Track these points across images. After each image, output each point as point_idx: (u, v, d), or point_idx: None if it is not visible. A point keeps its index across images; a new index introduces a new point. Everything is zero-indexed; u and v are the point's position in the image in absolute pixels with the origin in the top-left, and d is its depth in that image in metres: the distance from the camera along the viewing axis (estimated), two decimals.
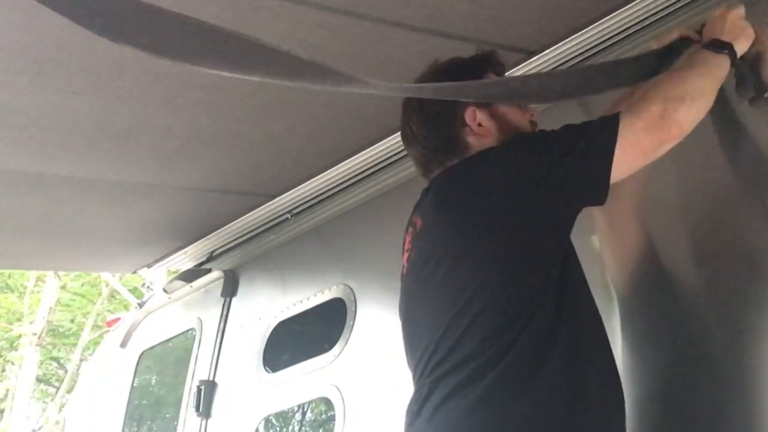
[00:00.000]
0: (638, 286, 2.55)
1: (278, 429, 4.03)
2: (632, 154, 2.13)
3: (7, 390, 15.33)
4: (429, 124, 2.36)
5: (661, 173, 2.43)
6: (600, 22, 2.82)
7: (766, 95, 2.33)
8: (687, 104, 2.14)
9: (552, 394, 2.03)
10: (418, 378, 2.19)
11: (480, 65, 2.41)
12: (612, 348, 2.23)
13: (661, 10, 2.69)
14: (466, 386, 2.06)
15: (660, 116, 2.12)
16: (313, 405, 3.79)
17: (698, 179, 2.46)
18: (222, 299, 4.25)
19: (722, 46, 2.25)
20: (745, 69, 2.35)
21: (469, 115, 2.32)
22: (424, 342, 2.19)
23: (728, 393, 2.22)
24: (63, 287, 14.69)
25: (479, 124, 2.33)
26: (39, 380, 16.03)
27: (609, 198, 2.43)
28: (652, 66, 2.39)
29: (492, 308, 2.09)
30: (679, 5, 2.65)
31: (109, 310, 13.86)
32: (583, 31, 2.84)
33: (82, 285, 15.04)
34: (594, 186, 2.14)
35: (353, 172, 3.72)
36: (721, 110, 2.36)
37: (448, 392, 2.08)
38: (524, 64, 3.02)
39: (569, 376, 2.06)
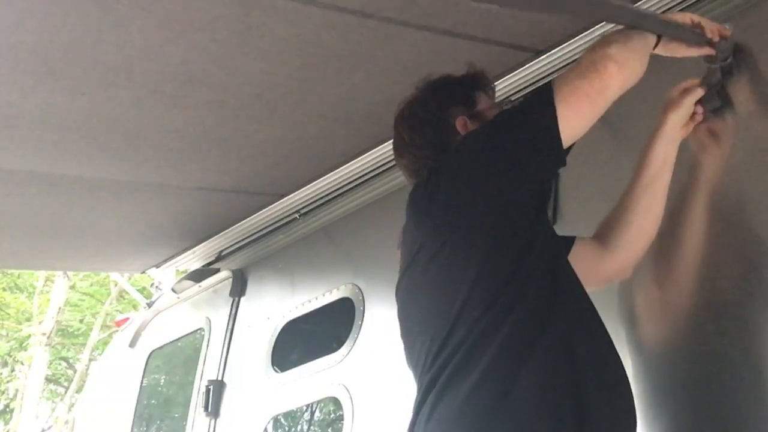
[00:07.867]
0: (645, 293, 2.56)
1: (287, 428, 4.03)
2: (575, 101, 2.11)
3: (17, 390, 15.38)
4: (421, 132, 2.38)
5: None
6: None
7: (728, 106, 2.36)
8: (618, 45, 2.14)
9: (546, 373, 2.03)
10: (419, 377, 2.20)
11: (469, 83, 2.43)
12: (618, 348, 2.23)
13: (667, 10, 2.69)
14: (459, 373, 2.06)
15: (591, 60, 2.13)
16: (322, 404, 3.80)
17: (708, 190, 2.45)
18: (230, 299, 4.26)
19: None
20: (716, 77, 2.36)
21: (459, 123, 2.34)
22: (420, 338, 2.21)
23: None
24: (72, 287, 14.75)
25: None
26: (48, 380, 16.08)
27: None
28: None
29: (478, 291, 2.10)
30: (685, 5, 2.65)
31: (118, 310, 13.90)
32: (591, 30, 2.83)
33: (91, 285, 15.09)
34: (547, 146, 2.13)
35: (361, 171, 3.73)
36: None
37: (442, 387, 2.08)
38: (531, 63, 3.02)
39: (561, 352, 2.05)
